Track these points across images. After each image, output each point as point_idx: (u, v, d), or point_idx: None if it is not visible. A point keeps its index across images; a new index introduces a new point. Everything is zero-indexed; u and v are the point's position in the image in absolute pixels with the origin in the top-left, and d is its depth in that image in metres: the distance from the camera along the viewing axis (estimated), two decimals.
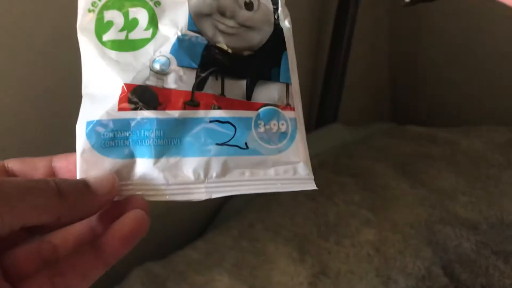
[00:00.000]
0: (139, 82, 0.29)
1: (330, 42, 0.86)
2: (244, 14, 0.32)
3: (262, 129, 0.30)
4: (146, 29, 0.30)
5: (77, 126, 0.29)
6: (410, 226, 0.60)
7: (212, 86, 0.30)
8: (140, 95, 0.29)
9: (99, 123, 0.28)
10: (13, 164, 0.29)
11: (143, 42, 0.30)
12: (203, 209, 0.74)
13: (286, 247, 0.59)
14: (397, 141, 0.78)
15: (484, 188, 0.64)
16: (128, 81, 0.29)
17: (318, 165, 0.74)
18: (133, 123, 0.29)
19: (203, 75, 0.30)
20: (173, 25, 0.30)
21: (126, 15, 0.30)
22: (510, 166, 0.67)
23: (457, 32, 0.91)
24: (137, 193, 0.28)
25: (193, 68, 0.30)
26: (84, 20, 0.30)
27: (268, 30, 0.32)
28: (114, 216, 0.27)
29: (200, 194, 0.29)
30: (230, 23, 0.31)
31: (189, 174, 0.29)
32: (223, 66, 0.30)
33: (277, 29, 0.33)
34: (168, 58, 0.30)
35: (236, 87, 0.31)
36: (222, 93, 0.30)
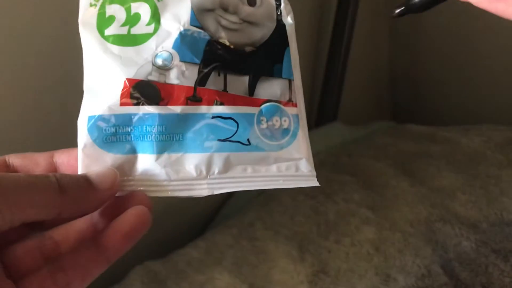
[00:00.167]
0: (141, 77, 0.29)
1: (330, 41, 0.86)
2: (247, 9, 0.32)
3: (264, 125, 0.30)
4: (148, 24, 0.30)
5: (78, 120, 0.29)
6: (410, 224, 0.60)
7: (214, 82, 0.30)
8: (142, 90, 0.29)
9: (101, 118, 0.28)
10: (14, 159, 0.29)
11: (145, 37, 0.30)
12: (203, 208, 0.74)
13: (286, 246, 0.59)
14: (397, 140, 0.78)
15: (483, 187, 0.64)
16: (130, 76, 0.29)
17: (318, 164, 0.73)
18: (135, 118, 0.28)
19: (205, 70, 0.30)
20: (176, 20, 0.30)
21: (128, 9, 0.30)
22: (509, 164, 0.67)
23: (457, 32, 0.91)
24: (138, 188, 0.28)
25: (195, 64, 0.30)
26: (86, 15, 0.30)
27: (271, 26, 0.32)
28: (115, 212, 0.27)
29: (202, 190, 0.29)
30: (233, 18, 0.31)
31: (191, 170, 0.29)
32: (226, 61, 0.30)
33: (280, 25, 0.32)
34: (170, 53, 0.29)
35: (239, 83, 0.30)
36: (225, 89, 0.30)
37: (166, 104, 0.29)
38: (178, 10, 0.30)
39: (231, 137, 0.29)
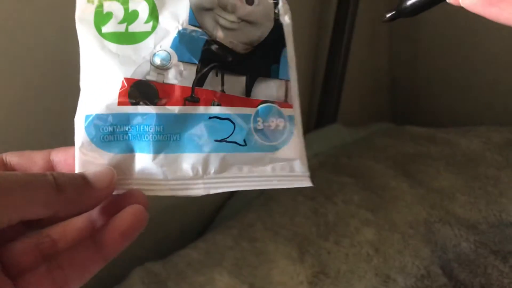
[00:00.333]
0: (139, 76, 0.29)
1: (330, 43, 0.86)
2: (245, 8, 0.31)
3: (260, 126, 0.30)
4: (147, 21, 0.30)
5: (75, 119, 0.29)
6: (409, 225, 0.60)
7: (212, 82, 0.30)
8: (140, 90, 0.29)
9: (99, 117, 0.28)
10: (11, 158, 0.29)
11: (143, 35, 0.30)
12: (203, 209, 0.74)
13: (286, 247, 0.59)
14: (397, 141, 0.79)
15: (483, 188, 0.64)
16: (129, 75, 0.29)
17: (318, 165, 0.74)
18: (132, 118, 0.28)
19: (203, 71, 0.30)
20: (174, 19, 0.30)
21: (126, 6, 0.30)
22: (509, 166, 0.67)
23: (457, 33, 0.91)
24: (135, 187, 0.28)
25: (193, 64, 0.30)
26: (83, 11, 0.30)
27: (268, 25, 0.32)
28: (113, 210, 0.27)
29: (198, 190, 0.29)
30: (231, 17, 0.31)
31: (187, 170, 0.29)
32: (223, 62, 0.30)
33: (277, 25, 0.32)
34: (168, 53, 0.29)
35: (236, 83, 0.31)
36: (222, 89, 0.30)
37: (164, 104, 0.29)
38: (177, 9, 0.30)
39: (227, 137, 0.30)
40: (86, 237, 0.27)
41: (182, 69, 0.29)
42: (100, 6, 0.30)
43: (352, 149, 0.79)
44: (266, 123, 0.31)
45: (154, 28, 0.30)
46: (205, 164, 0.29)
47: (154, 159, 0.28)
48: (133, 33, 0.30)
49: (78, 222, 0.28)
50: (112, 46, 0.29)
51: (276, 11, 0.32)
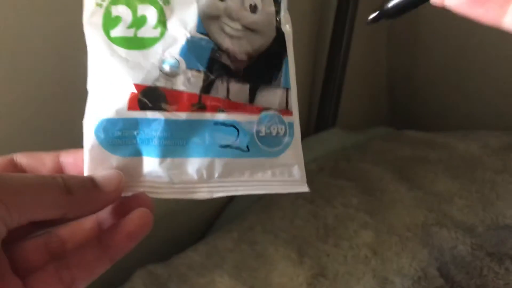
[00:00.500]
0: (148, 82, 0.29)
1: (329, 48, 0.86)
2: (249, 16, 0.32)
3: (263, 133, 0.31)
4: (155, 27, 0.30)
5: (84, 122, 0.29)
6: (407, 228, 0.60)
7: (218, 90, 0.30)
8: (150, 96, 0.29)
9: (108, 121, 0.29)
10: (21, 159, 0.29)
11: (151, 41, 0.30)
12: (204, 212, 0.75)
13: (285, 249, 0.60)
14: (395, 146, 0.79)
15: (480, 192, 0.64)
16: (138, 81, 0.29)
17: (317, 169, 0.75)
18: (141, 123, 0.29)
19: (210, 78, 0.30)
20: (182, 26, 0.30)
21: (134, 11, 0.30)
22: (505, 170, 0.68)
23: (456, 37, 0.91)
24: (142, 190, 0.29)
25: (200, 71, 0.30)
26: (91, 14, 0.30)
27: (271, 34, 0.33)
28: (120, 212, 0.28)
29: (203, 193, 0.30)
30: (236, 25, 0.31)
31: (192, 174, 0.29)
32: (229, 69, 0.31)
33: (279, 33, 0.33)
34: (177, 60, 0.30)
35: (240, 91, 0.31)
36: (227, 97, 0.31)
37: (172, 110, 0.29)
38: (185, 16, 0.30)
39: (231, 143, 0.30)
40: (93, 238, 0.28)
41: (190, 76, 0.30)
42: (109, 9, 0.30)
43: (351, 153, 0.80)
44: (268, 130, 0.31)
45: (162, 34, 0.30)
46: (210, 168, 0.30)
47: (161, 163, 0.29)
48: (142, 39, 0.30)
49: (86, 223, 0.29)
50: (121, 51, 0.29)
51: (278, 19, 0.33)
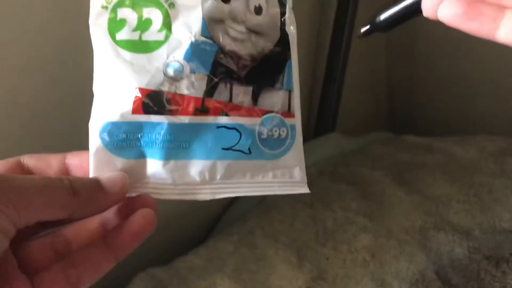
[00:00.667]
0: (153, 86, 0.29)
1: (328, 52, 0.86)
2: (253, 19, 0.32)
3: (265, 136, 0.32)
4: (160, 31, 0.30)
5: (90, 124, 0.30)
6: (405, 232, 0.61)
7: (221, 93, 0.31)
8: (154, 100, 0.29)
9: (113, 124, 0.29)
10: (28, 160, 0.30)
11: (156, 45, 0.30)
12: (205, 216, 0.75)
13: (285, 253, 0.60)
14: (394, 150, 0.79)
15: (477, 196, 0.65)
16: (143, 85, 0.29)
17: (316, 173, 0.75)
18: (145, 126, 0.29)
19: (213, 82, 0.31)
20: (187, 29, 0.30)
21: (139, 14, 0.30)
22: (503, 174, 0.68)
23: (455, 41, 0.90)
24: (146, 191, 0.29)
25: (204, 75, 0.30)
26: (97, 16, 0.30)
27: (276, 36, 0.33)
28: (124, 212, 0.29)
29: (205, 194, 0.30)
30: (240, 28, 0.31)
31: (195, 176, 0.30)
32: (232, 73, 0.31)
33: (283, 35, 0.33)
34: (181, 64, 0.30)
35: (243, 94, 0.31)
36: (230, 100, 0.31)
37: (176, 114, 0.30)
38: (190, 19, 0.30)
39: (234, 146, 0.31)
40: (98, 237, 0.29)
41: (194, 80, 0.30)
42: (114, 12, 0.30)
43: (351, 158, 0.80)
44: (270, 132, 0.32)
45: (167, 37, 0.30)
46: (212, 170, 0.30)
47: (164, 165, 0.30)
48: (147, 42, 0.30)
49: (91, 224, 0.30)
50: (127, 54, 0.30)
51: (283, 20, 0.33)
